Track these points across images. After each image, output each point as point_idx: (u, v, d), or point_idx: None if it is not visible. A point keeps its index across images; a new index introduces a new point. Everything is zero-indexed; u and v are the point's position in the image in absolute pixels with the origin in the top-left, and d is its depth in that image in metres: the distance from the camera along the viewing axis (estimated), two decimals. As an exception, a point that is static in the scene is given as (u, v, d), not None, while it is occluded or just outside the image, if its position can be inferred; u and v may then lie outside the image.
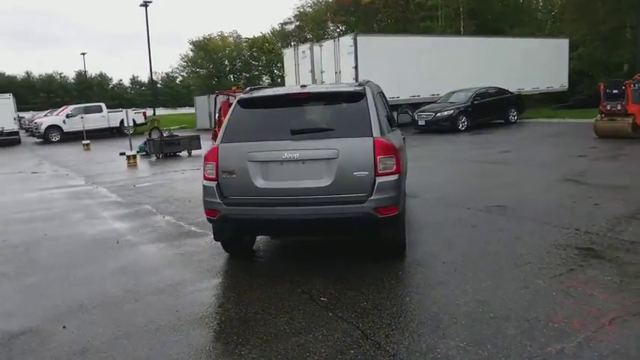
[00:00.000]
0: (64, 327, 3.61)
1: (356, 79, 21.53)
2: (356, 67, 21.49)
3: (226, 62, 69.92)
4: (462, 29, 34.37)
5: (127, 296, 4.19)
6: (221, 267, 4.88)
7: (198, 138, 16.83)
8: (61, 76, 73.75)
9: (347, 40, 21.99)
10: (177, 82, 78.06)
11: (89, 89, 71.77)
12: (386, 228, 4.47)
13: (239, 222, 4.43)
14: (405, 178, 5.82)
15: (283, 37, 51.11)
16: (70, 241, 6.09)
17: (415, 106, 21.48)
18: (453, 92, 20.23)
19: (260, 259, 5.21)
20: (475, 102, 19.15)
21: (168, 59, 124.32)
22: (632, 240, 4.97)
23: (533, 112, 23.43)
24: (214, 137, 17.56)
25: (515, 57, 24.69)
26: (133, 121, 30.16)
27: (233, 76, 68.34)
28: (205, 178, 4.51)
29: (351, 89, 4.73)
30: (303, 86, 4.98)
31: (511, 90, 21.31)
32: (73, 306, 4.01)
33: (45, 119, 28.38)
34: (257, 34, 60.89)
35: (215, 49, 67.20)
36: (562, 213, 6.14)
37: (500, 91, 20.56)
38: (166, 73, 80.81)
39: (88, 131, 23.32)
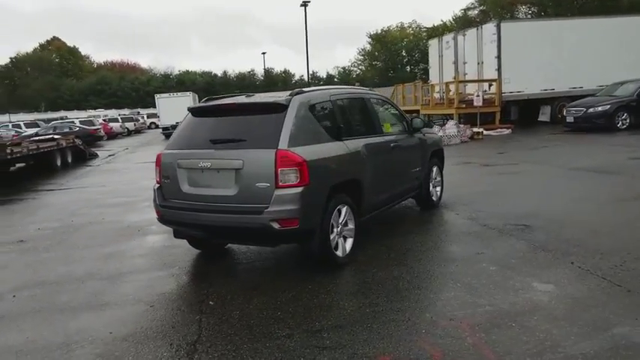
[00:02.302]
0: (13, 296, 4.38)
1: (498, 70, 19.84)
2: (498, 57, 19.79)
3: (403, 53, 70.12)
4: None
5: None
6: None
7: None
8: (250, 74, 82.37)
9: (490, 28, 20.33)
10: (354, 76, 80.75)
11: (274, 85, 79.17)
12: (287, 240, 4.44)
13: (174, 224, 4.74)
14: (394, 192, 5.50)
15: (465, 23, 48.87)
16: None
17: (573, 99, 18.82)
18: (622, 83, 17.06)
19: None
20: (644, 95, 15.92)
21: (349, 54, 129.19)
22: None
23: None
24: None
25: None
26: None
27: (410, 68, 68.34)
28: (156, 182, 4.91)
29: (272, 100, 4.65)
30: (249, 95, 5.08)
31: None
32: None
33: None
34: (437, 23, 59.22)
35: (392, 41, 67.91)
36: None
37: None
38: (342, 68, 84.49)
39: None
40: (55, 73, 67.71)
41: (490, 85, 20.29)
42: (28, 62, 67.94)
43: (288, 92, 4.68)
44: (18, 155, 11.88)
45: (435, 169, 7.02)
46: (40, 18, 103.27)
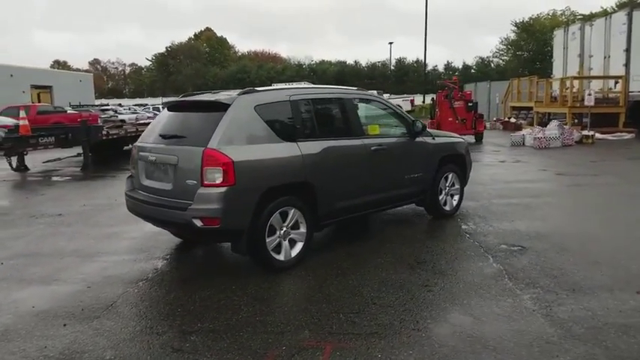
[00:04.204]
0: (1, 263, 5.12)
1: (626, 66, 17.35)
2: (628, 50, 17.34)
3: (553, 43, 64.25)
4: None
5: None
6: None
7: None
8: (382, 64, 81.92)
9: (620, 17, 17.86)
10: (492, 66, 76.12)
11: (405, 75, 77.91)
12: (214, 238, 4.59)
13: (134, 213, 5.07)
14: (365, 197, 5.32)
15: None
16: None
17: None
18: None
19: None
20: None
21: (491, 43, 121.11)
22: None
23: None
24: (431, 129, 17.39)
25: None
26: (400, 108, 31.90)
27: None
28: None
29: (215, 99, 4.70)
30: (215, 93, 5.15)
31: None
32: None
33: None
34: (596, 10, 52.99)
35: (541, 30, 62.50)
36: None
37: None
38: (481, 58, 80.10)
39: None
40: (203, 62, 74.56)
41: (616, 83, 17.84)
42: (181, 51, 75.71)
43: (238, 91, 4.74)
44: (115, 137, 13.43)
45: (450, 176, 6.51)
46: (197, 11, 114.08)
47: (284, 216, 4.66)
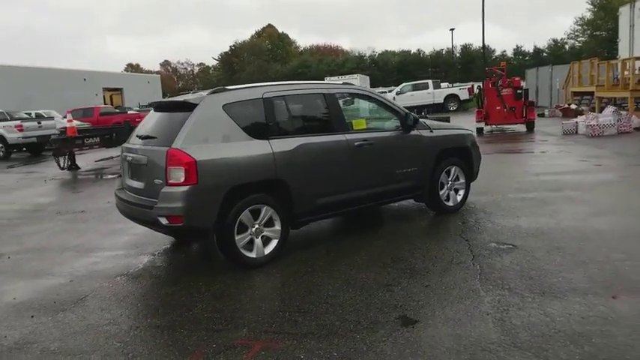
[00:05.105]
0: (8, 257, 5.56)
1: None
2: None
3: (635, 20, 59.62)
4: None
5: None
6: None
7: (448, 119, 16.39)
8: (446, 52, 79.42)
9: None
10: (567, 48, 71.59)
11: (471, 62, 75.06)
12: (183, 236, 4.74)
13: (120, 211, 5.30)
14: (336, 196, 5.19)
15: None
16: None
17: None
18: None
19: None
20: None
21: (565, 24, 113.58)
22: None
23: None
24: (479, 118, 16.74)
25: None
26: (457, 97, 30.89)
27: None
28: None
29: (183, 99, 4.78)
30: (194, 92, 5.25)
31: None
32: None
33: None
34: None
35: (619, 8, 58.18)
36: None
37: None
38: (554, 40, 75.62)
39: (414, 107, 25.61)
40: (265, 58, 75.99)
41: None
42: (244, 49, 77.53)
43: (207, 91, 4.81)
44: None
45: (453, 169, 6.24)
46: (259, 9, 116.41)
47: (256, 213, 4.69)
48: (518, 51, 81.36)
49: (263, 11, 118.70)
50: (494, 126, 17.30)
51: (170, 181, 4.35)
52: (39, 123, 18.21)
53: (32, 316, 3.96)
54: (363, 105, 5.95)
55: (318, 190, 5.04)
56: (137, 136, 5.02)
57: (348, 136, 5.30)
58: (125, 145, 5.28)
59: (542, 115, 21.56)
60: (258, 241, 4.73)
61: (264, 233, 4.78)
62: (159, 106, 5.23)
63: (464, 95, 30.69)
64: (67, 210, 7.95)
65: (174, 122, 4.64)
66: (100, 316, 3.90)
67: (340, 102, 5.86)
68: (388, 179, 5.64)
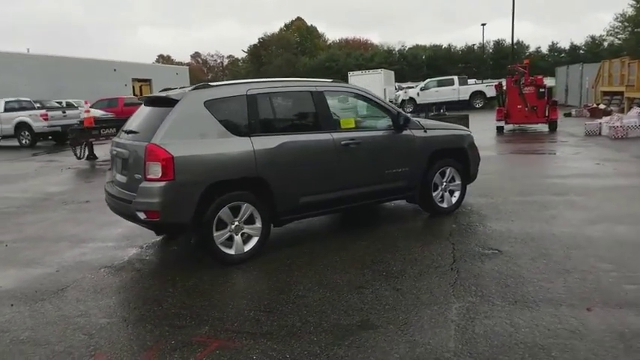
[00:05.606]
0: (6, 245, 5.74)
1: None
2: None
3: (680, 15, 57.20)
4: None
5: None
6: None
7: (466, 117, 16.09)
8: (478, 48, 77.91)
9: None
10: (605, 45, 69.21)
11: (504, 59, 73.33)
12: (162, 230, 4.91)
13: (108, 205, 5.38)
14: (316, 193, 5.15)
15: None
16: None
17: None
18: None
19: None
20: None
21: (604, 21, 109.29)
22: None
23: None
24: (499, 117, 16.39)
25: None
26: (483, 94, 30.26)
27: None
28: None
29: (165, 95, 4.80)
30: (182, 87, 5.26)
31: None
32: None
33: (399, 92, 32.05)
34: None
35: (667, 2, 55.82)
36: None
37: None
38: (591, 37, 73.28)
39: (438, 104, 25.23)
40: (293, 51, 76.08)
41: None
42: (273, 41, 77.80)
43: (191, 87, 4.84)
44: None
45: (448, 171, 6.13)
46: (290, 1, 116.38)
47: (236, 211, 4.71)
48: (553, 48, 79.23)
49: (294, 3, 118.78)
50: (515, 125, 16.91)
51: (148, 176, 4.41)
52: (64, 112, 18.73)
53: (12, 305, 4.08)
54: (354, 104, 5.88)
55: (301, 189, 5.02)
56: (123, 130, 5.09)
57: (335, 135, 5.26)
58: (114, 138, 5.36)
59: (569, 115, 20.97)
60: (237, 238, 4.75)
61: (245, 230, 4.79)
62: (147, 101, 5.29)
63: (491, 92, 29.92)
64: (73, 200, 8.15)
65: (156, 118, 4.69)
66: (75, 307, 3.99)
67: (335, 100, 5.83)
68: (377, 179, 5.57)
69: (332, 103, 5.58)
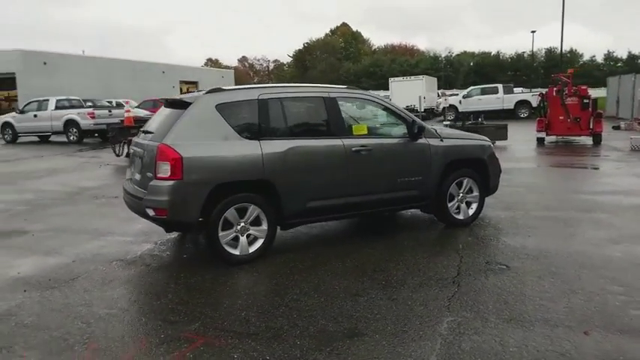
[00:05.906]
0: (32, 235, 6.07)
1: None
2: None
3: None
4: None
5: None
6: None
7: (505, 127, 15.72)
8: (528, 55, 75.72)
9: None
10: (666, 56, 66.00)
11: (555, 67, 70.95)
12: (170, 228, 5.00)
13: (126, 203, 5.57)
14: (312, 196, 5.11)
15: None
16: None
17: None
18: None
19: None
20: None
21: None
22: None
23: None
24: (540, 128, 15.90)
25: None
26: (528, 103, 29.37)
27: None
28: None
29: (179, 98, 4.96)
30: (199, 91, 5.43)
31: None
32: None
33: (440, 99, 31.52)
34: None
35: None
36: None
37: None
38: (652, 47, 69.87)
39: (481, 112, 24.66)
40: (337, 57, 76.42)
41: None
42: (317, 46, 78.48)
43: (205, 91, 4.98)
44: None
45: (465, 181, 6.01)
46: (337, 7, 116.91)
47: (242, 212, 4.80)
48: (609, 56, 76.05)
49: (341, 8, 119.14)
50: (558, 137, 16.34)
51: (158, 175, 4.56)
52: (109, 111, 19.54)
53: (25, 290, 4.31)
54: (369, 110, 5.87)
55: (309, 193, 5.06)
56: (142, 131, 5.29)
57: (346, 141, 5.26)
58: (134, 138, 5.58)
59: (617, 128, 20.06)
60: (243, 239, 4.84)
61: (250, 232, 4.87)
62: (167, 103, 5.47)
63: (535, 101, 29.08)
64: (104, 195, 8.50)
65: (171, 119, 4.86)
66: (80, 297, 4.18)
67: (350, 106, 5.84)
68: (388, 187, 5.54)
69: (347, 109, 5.60)
